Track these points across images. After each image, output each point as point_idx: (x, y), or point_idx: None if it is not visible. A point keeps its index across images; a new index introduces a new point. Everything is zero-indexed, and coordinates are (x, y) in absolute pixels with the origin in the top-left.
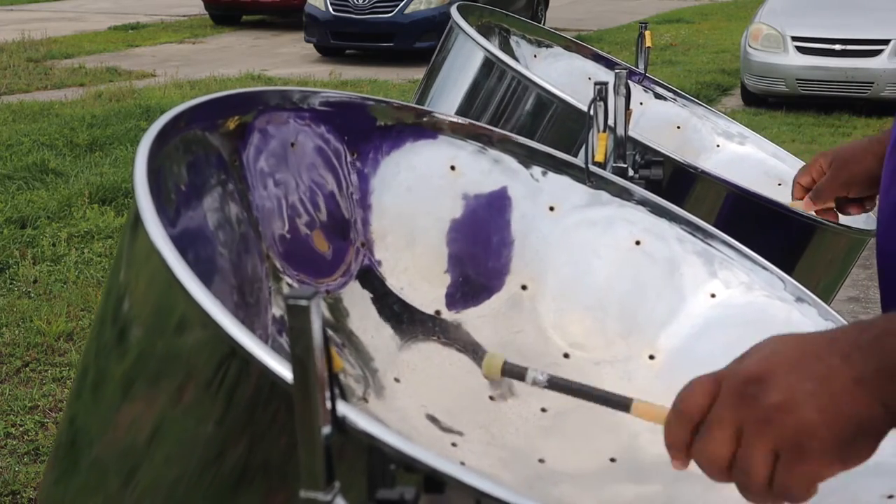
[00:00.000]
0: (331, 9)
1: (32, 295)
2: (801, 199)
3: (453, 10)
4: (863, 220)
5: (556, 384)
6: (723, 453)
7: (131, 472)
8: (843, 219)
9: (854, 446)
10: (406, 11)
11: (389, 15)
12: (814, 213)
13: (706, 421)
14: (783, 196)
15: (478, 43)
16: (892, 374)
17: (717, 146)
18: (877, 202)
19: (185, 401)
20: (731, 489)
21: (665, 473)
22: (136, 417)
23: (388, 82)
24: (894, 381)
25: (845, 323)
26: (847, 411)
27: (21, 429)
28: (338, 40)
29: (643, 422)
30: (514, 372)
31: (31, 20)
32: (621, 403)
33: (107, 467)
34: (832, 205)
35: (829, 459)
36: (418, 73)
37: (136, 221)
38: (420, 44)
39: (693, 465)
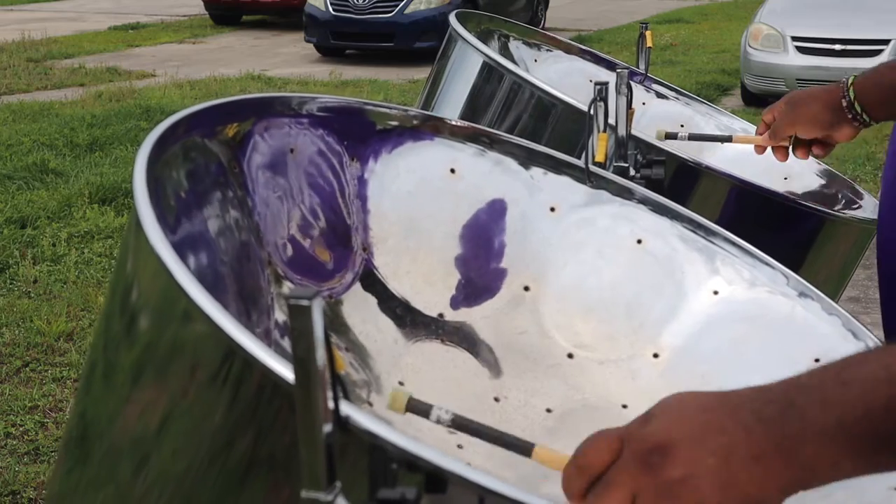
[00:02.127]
0: (331, 9)
1: (32, 295)
2: (762, 133)
3: (452, 18)
4: (869, 210)
5: (459, 424)
6: None
7: (142, 462)
8: (851, 211)
9: None
10: (406, 11)
11: (389, 15)
12: (772, 153)
13: (604, 478)
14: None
15: (477, 49)
16: (791, 452)
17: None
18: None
19: (193, 392)
20: None
21: None
22: (146, 407)
23: (388, 82)
24: (792, 460)
25: (851, 319)
26: (745, 489)
27: (21, 429)
28: (338, 40)
29: None
30: (418, 409)
31: (31, 20)
32: (523, 448)
33: (118, 457)
34: (787, 143)
35: None
36: (418, 73)
37: (138, 227)
38: (420, 44)
39: None
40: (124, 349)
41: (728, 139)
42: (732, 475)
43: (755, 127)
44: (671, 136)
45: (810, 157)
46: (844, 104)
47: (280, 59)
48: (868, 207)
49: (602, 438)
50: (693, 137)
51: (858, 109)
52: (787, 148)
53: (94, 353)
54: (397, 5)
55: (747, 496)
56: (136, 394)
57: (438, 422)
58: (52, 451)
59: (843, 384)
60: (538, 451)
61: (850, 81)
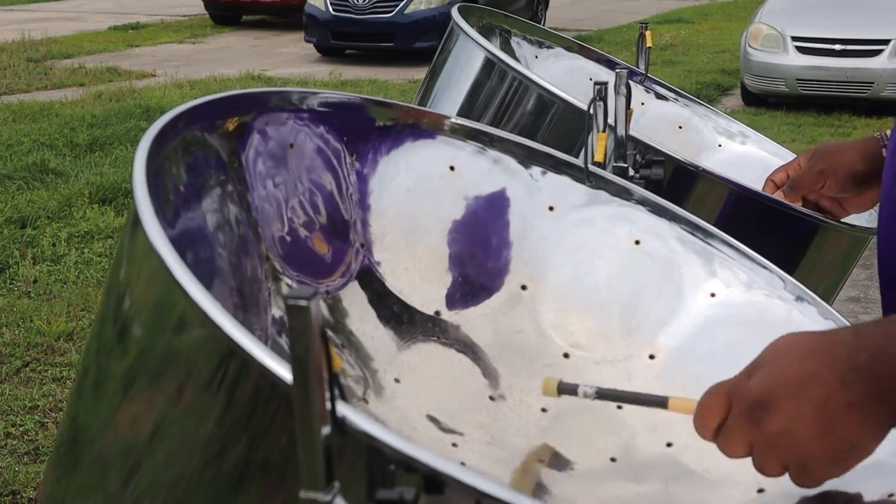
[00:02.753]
0: (331, 9)
1: (32, 295)
2: (773, 193)
3: (454, 12)
4: (865, 219)
5: (602, 394)
6: (740, 454)
7: (132, 471)
8: (846, 217)
9: (849, 461)
10: (406, 11)
11: (389, 15)
12: (815, 213)
13: (722, 431)
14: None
15: (479, 44)
16: (881, 396)
17: (719, 146)
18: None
19: (186, 399)
20: (731, 488)
21: (665, 473)
22: (137, 415)
23: (388, 82)
24: (884, 403)
25: (846, 323)
26: (840, 434)
27: (21, 429)
28: (338, 40)
29: (642, 422)
30: (567, 389)
31: (31, 20)
32: (659, 402)
33: (108, 465)
34: (800, 201)
35: (828, 471)
36: (418, 73)
37: (136, 222)
38: (420, 44)
39: (693, 465)
40: (116, 357)
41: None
42: (829, 423)
43: (752, 129)
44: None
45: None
46: (885, 152)
47: (280, 59)
48: (863, 215)
49: (713, 394)
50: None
51: None
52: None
53: (87, 356)
54: (397, 5)
55: (846, 440)
56: (127, 403)
57: (585, 396)
58: (51, 451)
59: None
60: (673, 401)
61: (885, 133)
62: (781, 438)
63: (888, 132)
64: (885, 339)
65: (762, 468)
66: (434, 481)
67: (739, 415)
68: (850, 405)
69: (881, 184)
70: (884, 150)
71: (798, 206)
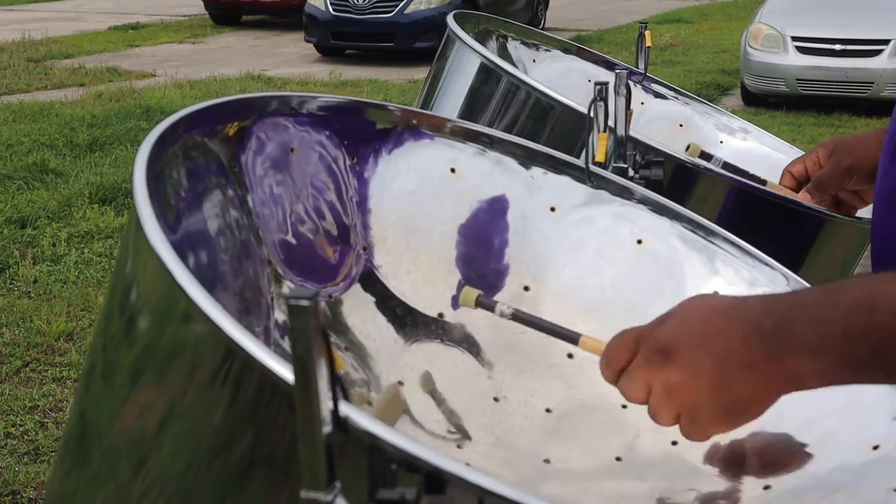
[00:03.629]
0: (331, 9)
1: (32, 295)
2: (790, 187)
3: (450, 19)
4: (868, 211)
5: (517, 316)
6: (639, 398)
7: (141, 462)
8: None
9: (738, 418)
10: (406, 11)
11: (389, 15)
12: (818, 206)
13: (626, 373)
14: (787, 190)
15: (474, 50)
16: (781, 360)
17: (721, 142)
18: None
19: (192, 391)
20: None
21: (670, 471)
22: (146, 407)
23: (388, 82)
24: (782, 367)
25: None
26: (735, 391)
27: (21, 429)
28: (338, 40)
29: (647, 421)
30: (486, 304)
31: (31, 20)
32: (570, 337)
33: (117, 457)
34: (830, 197)
35: (716, 425)
36: (418, 73)
37: (138, 226)
38: (420, 44)
39: (698, 463)
40: (124, 349)
41: (762, 182)
42: (726, 379)
43: (754, 126)
44: (706, 156)
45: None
46: None
47: (280, 59)
48: (868, 208)
49: (622, 337)
50: (727, 167)
51: None
52: (835, 204)
53: (93, 353)
54: (397, 5)
55: (739, 398)
56: (135, 394)
57: (502, 315)
58: (52, 451)
59: (832, 306)
60: (584, 340)
61: None
62: (678, 386)
63: None
64: (791, 307)
65: (656, 415)
66: (436, 481)
67: (644, 358)
68: (748, 364)
69: None
70: None
71: (802, 199)
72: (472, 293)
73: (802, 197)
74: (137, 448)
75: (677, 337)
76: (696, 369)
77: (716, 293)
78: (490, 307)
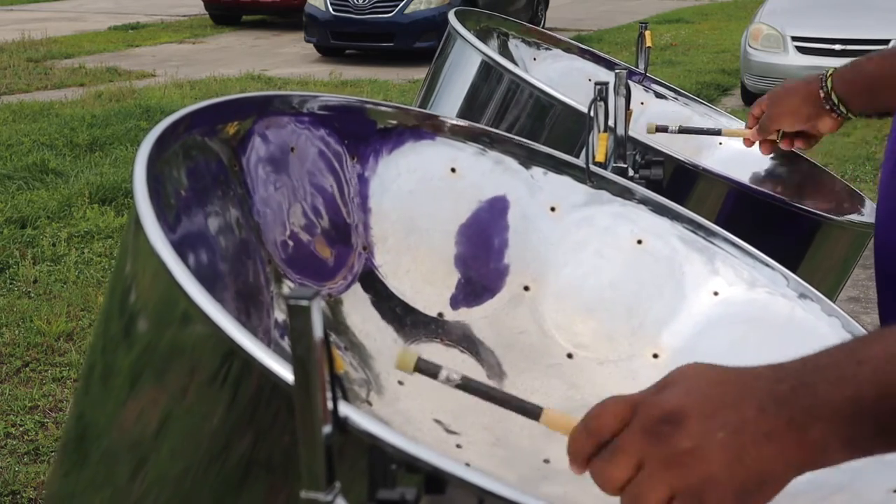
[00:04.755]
0: (331, 9)
1: (32, 295)
2: (751, 127)
3: (451, 16)
4: (867, 215)
5: (467, 385)
6: (621, 477)
7: (140, 464)
8: (847, 215)
9: (753, 497)
10: (406, 11)
11: (389, 15)
12: (759, 147)
13: (612, 444)
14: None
15: (476, 48)
16: (804, 429)
17: (720, 143)
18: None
19: (192, 393)
20: None
21: None
22: (144, 409)
23: (388, 82)
24: (805, 437)
25: (850, 320)
26: (753, 466)
27: (21, 429)
28: (338, 40)
29: None
30: (427, 370)
31: (31, 20)
32: (531, 411)
33: (116, 460)
34: (775, 137)
35: None
36: (418, 73)
37: (138, 226)
38: (420, 44)
39: None
40: (122, 351)
41: (717, 132)
42: (742, 451)
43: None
44: (662, 129)
45: (800, 154)
46: (822, 95)
47: (280, 59)
48: (865, 211)
49: (614, 403)
50: (683, 130)
51: (836, 101)
52: (773, 141)
53: (92, 354)
54: (397, 5)
55: (756, 472)
56: (134, 396)
57: (447, 381)
58: (52, 451)
59: (858, 363)
60: (547, 413)
61: (828, 73)
62: (687, 458)
63: (830, 70)
64: (807, 370)
65: (640, 492)
66: (436, 481)
67: (641, 428)
68: (766, 435)
69: (833, 115)
70: (821, 91)
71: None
72: (410, 356)
73: (752, 135)
74: (136, 450)
75: (686, 403)
76: (708, 440)
77: (711, 363)
78: (433, 373)
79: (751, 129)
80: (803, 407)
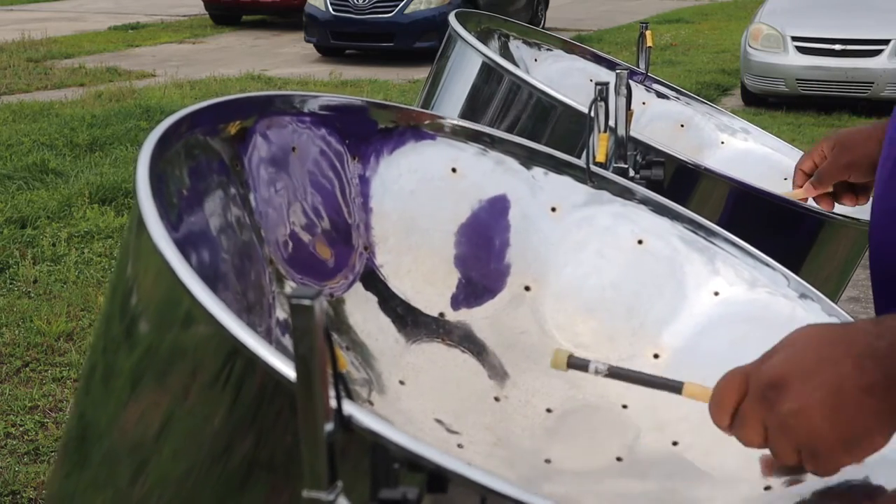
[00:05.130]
0: (331, 9)
1: (32, 295)
2: (801, 186)
3: (451, 18)
4: (868, 212)
5: (616, 373)
6: (755, 441)
7: (141, 466)
8: (850, 211)
9: (861, 446)
10: (406, 11)
11: (389, 15)
12: (814, 203)
13: (738, 414)
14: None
15: (476, 49)
16: None
17: (722, 143)
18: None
19: (193, 394)
20: (738, 485)
21: (671, 471)
22: (146, 411)
23: (388, 82)
24: None
25: (850, 319)
26: (853, 419)
27: (21, 429)
28: (338, 40)
29: (647, 421)
30: (578, 364)
31: (31, 20)
32: (674, 387)
33: (117, 461)
34: (830, 189)
35: (839, 456)
36: (418, 73)
37: (140, 226)
38: (420, 44)
39: (699, 463)
40: (123, 353)
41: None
42: (842, 406)
43: (755, 126)
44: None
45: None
46: None
47: (280, 59)
48: (867, 209)
49: (730, 378)
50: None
51: None
52: (832, 196)
53: (93, 355)
54: (397, 5)
55: (858, 425)
56: (135, 398)
57: (597, 372)
58: (52, 451)
59: None
60: (688, 386)
61: None
62: (792, 419)
63: None
64: None
65: (776, 453)
66: (438, 480)
67: (754, 396)
68: (864, 389)
69: None
70: None
71: (799, 196)
72: (562, 354)
73: (806, 189)
74: (137, 452)
75: (787, 369)
76: (809, 399)
77: (821, 324)
78: (584, 367)
79: (800, 187)
80: None
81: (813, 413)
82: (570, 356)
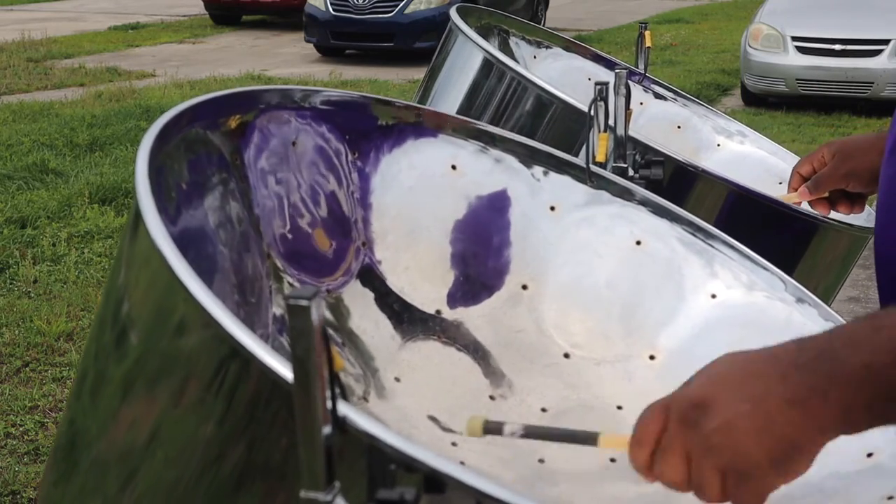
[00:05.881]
0: (331, 9)
1: (32, 295)
2: (797, 189)
3: (452, 12)
4: (864, 218)
5: (531, 433)
6: (678, 476)
7: (131, 474)
8: (844, 217)
9: (789, 464)
10: (406, 11)
11: (389, 15)
12: (809, 206)
13: (659, 448)
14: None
15: (477, 44)
16: (824, 394)
17: (718, 145)
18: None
19: (185, 402)
20: None
21: None
22: (136, 419)
23: (388, 82)
24: (827, 402)
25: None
26: (779, 432)
27: (21, 429)
28: (338, 40)
29: None
30: (493, 429)
31: (31, 20)
32: (590, 438)
33: (106, 469)
34: (826, 195)
35: (767, 477)
36: (418, 73)
37: (137, 220)
38: (420, 44)
39: None
40: (114, 361)
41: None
42: (768, 419)
43: (752, 129)
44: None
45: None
46: None
47: (280, 59)
48: (862, 215)
49: (650, 412)
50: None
51: None
52: (828, 201)
53: (86, 360)
54: (397, 5)
55: (785, 438)
56: (125, 407)
57: (512, 434)
58: (49, 454)
59: (875, 329)
60: (604, 438)
61: None
62: (717, 436)
63: None
64: (829, 339)
65: (701, 485)
66: (435, 481)
67: (676, 421)
68: (790, 401)
69: None
70: None
71: (793, 200)
72: (476, 421)
73: (801, 192)
74: (126, 461)
75: (711, 389)
76: (735, 413)
77: (737, 351)
78: (498, 431)
79: (795, 190)
80: (823, 372)
81: (738, 427)
82: (486, 421)
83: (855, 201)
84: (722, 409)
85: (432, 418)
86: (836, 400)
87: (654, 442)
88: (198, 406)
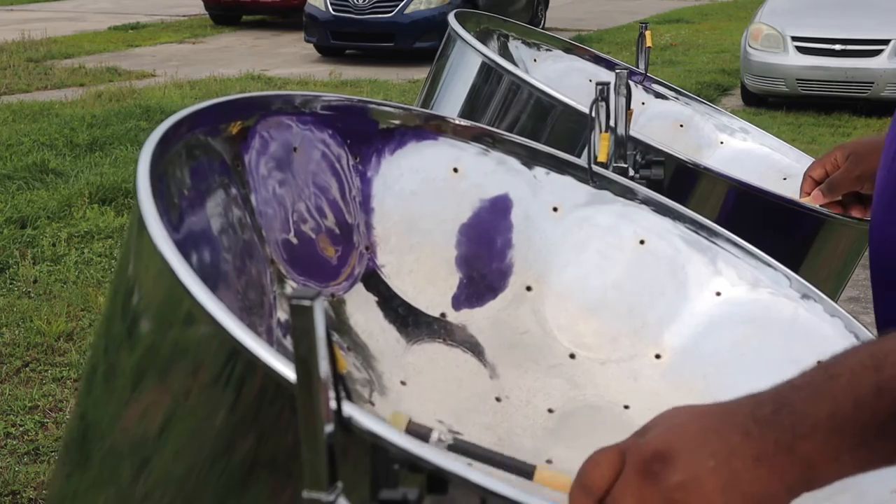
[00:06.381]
0: (331, 9)
1: (32, 295)
2: (810, 193)
3: (451, 18)
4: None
5: (458, 447)
6: None
7: (143, 464)
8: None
9: None
10: (406, 11)
11: (389, 15)
12: (818, 206)
13: (610, 496)
14: (788, 190)
15: (476, 49)
16: (790, 448)
17: (721, 143)
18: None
19: (196, 392)
20: None
21: None
22: (147, 409)
23: (388, 82)
24: (794, 456)
25: (853, 321)
26: (746, 489)
27: (21, 429)
28: (338, 40)
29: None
30: (418, 432)
31: (31, 20)
32: (524, 471)
33: (119, 460)
34: (840, 198)
35: None
36: (418, 73)
37: (140, 226)
38: (420, 44)
39: None
40: (125, 352)
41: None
42: (734, 476)
43: (754, 126)
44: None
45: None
46: None
47: (280, 59)
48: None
49: (602, 455)
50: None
51: None
52: (841, 205)
53: (95, 355)
54: (397, 5)
55: (751, 496)
56: (137, 396)
57: (440, 442)
58: (52, 451)
59: (831, 377)
60: (540, 472)
61: None
62: (680, 492)
63: None
64: (784, 392)
65: None
66: (438, 481)
67: (634, 471)
68: (757, 457)
69: None
70: None
71: (806, 201)
72: (401, 417)
73: (815, 196)
74: (139, 451)
75: (672, 441)
76: (701, 469)
77: (688, 405)
78: (423, 436)
79: (808, 194)
80: (786, 426)
81: (704, 484)
82: (410, 422)
83: (868, 204)
84: (686, 463)
85: (439, 421)
86: (803, 453)
87: (604, 490)
88: (208, 396)
